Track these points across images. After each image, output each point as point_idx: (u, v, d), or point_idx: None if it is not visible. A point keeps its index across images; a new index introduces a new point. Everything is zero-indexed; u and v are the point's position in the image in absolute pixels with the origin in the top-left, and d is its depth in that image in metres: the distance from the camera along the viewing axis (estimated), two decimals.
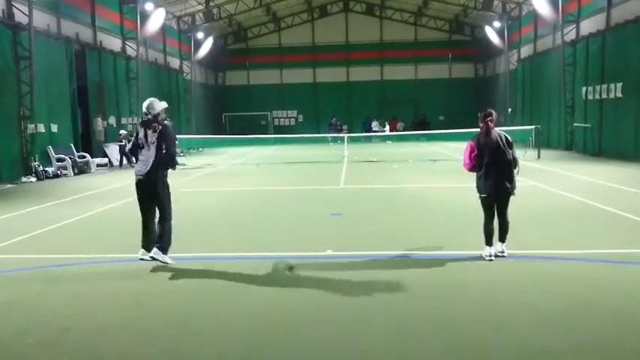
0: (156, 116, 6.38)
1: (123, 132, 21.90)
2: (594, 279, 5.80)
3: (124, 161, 20.74)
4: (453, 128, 30.31)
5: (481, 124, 6.49)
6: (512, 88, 34.04)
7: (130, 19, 26.15)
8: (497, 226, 6.58)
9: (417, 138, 34.54)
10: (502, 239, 6.58)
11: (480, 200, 6.65)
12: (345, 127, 39.55)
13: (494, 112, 6.52)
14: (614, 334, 4.32)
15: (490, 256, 6.51)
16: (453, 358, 3.98)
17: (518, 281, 5.75)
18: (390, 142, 35.40)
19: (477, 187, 6.59)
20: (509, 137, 6.52)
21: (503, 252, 6.53)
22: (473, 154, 6.51)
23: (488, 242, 6.57)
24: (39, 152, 17.92)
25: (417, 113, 42.46)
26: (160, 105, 6.46)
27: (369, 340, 4.30)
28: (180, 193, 13.44)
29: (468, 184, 13.67)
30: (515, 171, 6.50)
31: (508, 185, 6.41)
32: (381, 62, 43.14)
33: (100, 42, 23.57)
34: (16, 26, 17.21)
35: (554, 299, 5.13)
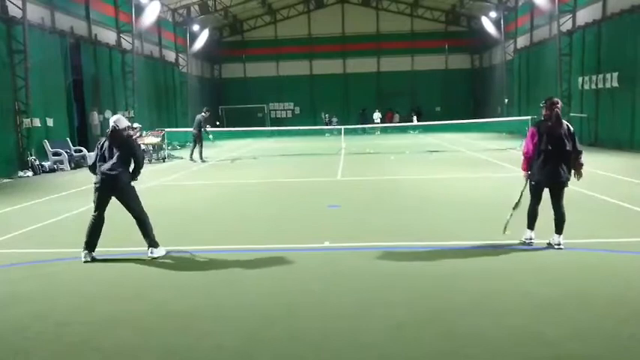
0: (122, 130, 6.63)
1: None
2: (591, 267, 5.83)
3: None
4: (449, 119, 30.38)
5: (546, 112, 6.40)
6: (509, 79, 34.02)
7: (124, 11, 25.98)
8: (554, 218, 6.47)
9: (412, 129, 34.49)
10: (559, 231, 6.45)
11: (529, 186, 6.62)
12: (334, 119, 38.78)
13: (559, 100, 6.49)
14: (611, 323, 4.35)
15: (530, 239, 6.60)
16: (449, 347, 4.01)
17: (514, 270, 5.78)
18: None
19: (531, 173, 6.53)
20: (571, 128, 6.45)
21: (559, 244, 6.41)
22: (535, 140, 6.44)
23: (530, 226, 6.62)
24: (35, 147, 17.85)
25: (413, 105, 42.45)
26: (126, 122, 6.82)
27: (367, 332, 4.32)
28: (177, 186, 13.45)
29: (464, 174, 13.83)
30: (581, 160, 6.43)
31: (564, 175, 6.36)
32: (377, 54, 42.97)
33: (95, 35, 23.39)
34: (9, 20, 17.08)
35: (551, 288, 5.16)
